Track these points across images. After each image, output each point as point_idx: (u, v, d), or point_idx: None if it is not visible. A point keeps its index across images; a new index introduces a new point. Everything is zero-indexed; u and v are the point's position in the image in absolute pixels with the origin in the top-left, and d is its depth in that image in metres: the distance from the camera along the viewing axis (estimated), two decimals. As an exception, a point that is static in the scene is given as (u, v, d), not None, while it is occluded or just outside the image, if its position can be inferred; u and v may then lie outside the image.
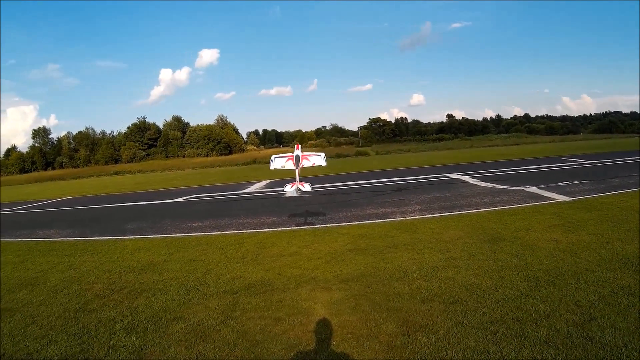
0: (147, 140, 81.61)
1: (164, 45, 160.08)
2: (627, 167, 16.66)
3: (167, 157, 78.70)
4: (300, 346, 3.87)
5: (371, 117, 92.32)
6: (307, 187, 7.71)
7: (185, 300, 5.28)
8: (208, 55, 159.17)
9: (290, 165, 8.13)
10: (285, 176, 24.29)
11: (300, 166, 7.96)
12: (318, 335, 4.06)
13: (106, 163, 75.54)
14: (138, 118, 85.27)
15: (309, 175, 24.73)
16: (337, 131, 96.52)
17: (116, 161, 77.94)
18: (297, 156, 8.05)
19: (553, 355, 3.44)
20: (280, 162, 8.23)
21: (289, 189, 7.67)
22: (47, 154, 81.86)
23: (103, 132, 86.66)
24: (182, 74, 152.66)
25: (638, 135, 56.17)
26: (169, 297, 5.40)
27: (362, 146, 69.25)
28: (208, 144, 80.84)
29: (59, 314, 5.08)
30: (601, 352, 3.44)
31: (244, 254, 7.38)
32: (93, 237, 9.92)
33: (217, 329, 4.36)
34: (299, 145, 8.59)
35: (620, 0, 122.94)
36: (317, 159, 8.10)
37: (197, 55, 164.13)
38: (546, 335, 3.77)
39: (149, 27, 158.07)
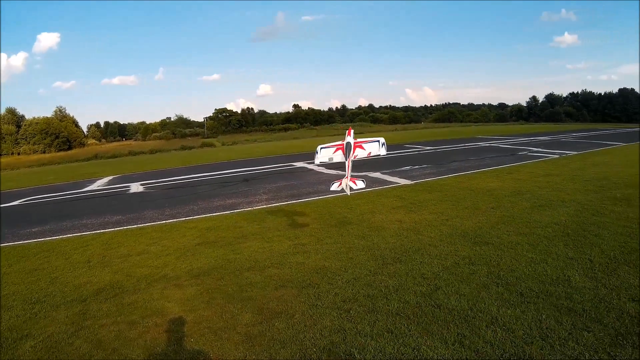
0: (-26, 136, 69.28)
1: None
2: (463, 153, 19.29)
3: (-1, 155, 68.03)
4: (158, 348, 3.86)
5: (217, 108, 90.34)
6: (360, 185, 5.97)
7: (32, 315, 4.82)
8: (48, 40, 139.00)
9: (339, 157, 6.58)
10: (129, 171, 22.64)
11: (353, 157, 6.35)
12: (175, 334, 4.08)
13: None
14: (-36, 110, 72.04)
15: (158, 167, 23.58)
16: (183, 122, 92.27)
17: (-64, 161, 65.03)
18: (349, 144, 6.51)
19: (406, 325, 3.91)
20: (327, 153, 6.69)
21: (336, 187, 6.05)
22: None
23: None
24: (18, 59, 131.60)
25: (474, 124, 64.37)
26: (14, 314, 4.87)
27: (207, 137, 67.47)
28: (45, 139, 70.93)
29: None
30: (449, 316, 4.01)
31: (90, 257, 6.93)
32: None
33: (69, 342, 4.10)
34: (352, 131, 6.89)
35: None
36: (374, 147, 6.32)
37: (36, 39, 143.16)
38: (397, 307, 4.26)
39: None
